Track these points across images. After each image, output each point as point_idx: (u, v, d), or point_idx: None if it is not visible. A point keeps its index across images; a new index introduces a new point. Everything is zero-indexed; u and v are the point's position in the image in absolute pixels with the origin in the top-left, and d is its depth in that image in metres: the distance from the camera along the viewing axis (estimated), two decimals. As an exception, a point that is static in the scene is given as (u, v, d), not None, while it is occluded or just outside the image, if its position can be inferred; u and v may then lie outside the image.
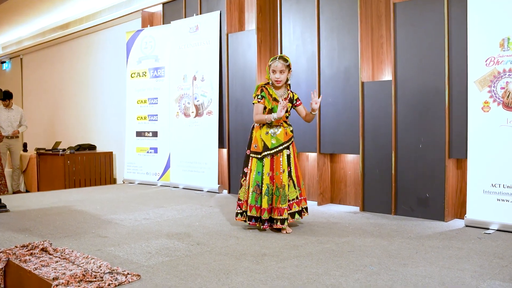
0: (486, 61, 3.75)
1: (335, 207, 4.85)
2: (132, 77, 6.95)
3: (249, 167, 3.84)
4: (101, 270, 2.65)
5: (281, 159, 3.74)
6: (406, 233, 3.66)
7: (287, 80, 3.84)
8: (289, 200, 3.75)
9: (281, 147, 3.75)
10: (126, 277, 2.56)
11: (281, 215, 3.66)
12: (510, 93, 3.64)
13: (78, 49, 9.41)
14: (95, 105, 8.89)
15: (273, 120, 3.72)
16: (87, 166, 7.89)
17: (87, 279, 2.52)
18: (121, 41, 7.62)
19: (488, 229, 3.70)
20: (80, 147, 8.25)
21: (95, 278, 2.54)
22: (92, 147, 8.48)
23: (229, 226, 3.95)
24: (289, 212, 3.74)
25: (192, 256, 3.04)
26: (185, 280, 2.57)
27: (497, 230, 3.67)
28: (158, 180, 6.63)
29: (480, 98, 3.79)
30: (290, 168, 3.78)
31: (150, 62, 6.74)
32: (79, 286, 2.44)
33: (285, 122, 3.84)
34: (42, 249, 3.17)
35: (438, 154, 4.08)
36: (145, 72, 6.79)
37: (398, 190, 4.34)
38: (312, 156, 5.24)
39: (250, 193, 3.76)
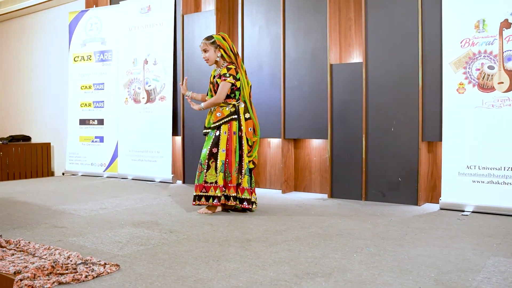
0: (461, 42, 3.74)
1: (301, 195, 4.68)
2: (75, 61, 6.39)
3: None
4: (71, 261, 2.27)
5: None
6: (385, 216, 3.56)
7: (219, 57, 3.69)
8: (205, 182, 3.57)
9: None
10: (104, 268, 2.21)
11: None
12: (485, 74, 3.64)
13: (10, 32, 8.58)
14: (30, 93, 8.13)
15: (203, 109, 3.75)
16: (22, 158, 7.19)
17: (57, 271, 2.14)
18: (62, 23, 7.01)
19: (464, 211, 3.69)
20: (13, 138, 7.51)
21: (67, 270, 2.17)
22: (27, 138, 7.75)
23: (197, 214, 3.65)
24: (203, 193, 3.59)
25: (170, 244, 2.73)
26: (172, 268, 2.27)
27: (473, 212, 3.66)
28: (104, 171, 6.15)
29: (455, 80, 3.77)
30: (217, 149, 3.57)
31: (96, 45, 6.24)
32: (48, 280, 2.07)
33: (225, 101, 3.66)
34: (-10, 242, 2.72)
35: (411, 137, 4.02)
36: (90, 56, 6.27)
37: (368, 175, 4.25)
38: (275, 142, 5.04)
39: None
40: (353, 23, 4.53)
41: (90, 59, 6.26)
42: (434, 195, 4.11)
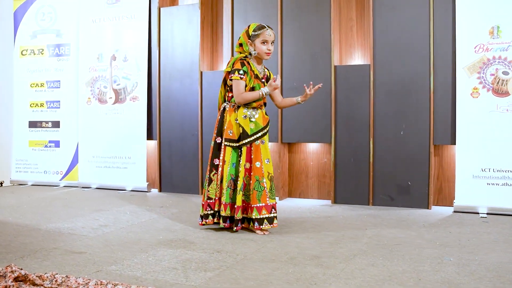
0: (475, 48, 3.80)
1: (299, 201, 4.49)
2: (23, 54, 5.60)
3: (221, 158, 3.22)
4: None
5: (261, 146, 3.18)
6: (412, 222, 3.49)
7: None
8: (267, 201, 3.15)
9: (260, 133, 3.20)
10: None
11: (269, 213, 3.11)
12: (500, 79, 3.73)
13: None
14: None
15: (265, 95, 3.19)
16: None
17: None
18: (4, 10, 6.09)
19: (478, 213, 3.75)
20: None
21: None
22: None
23: (219, 228, 3.30)
24: (273, 214, 3.15)
25: (236, 267, 2.40)
26: (277, 298, 1.97)
27: (488, 213, 3.73)
28: (61, 179, 5.46)
29: (469, 84, 3.82)
30: (269, 160, 3.23)
31: (50, 38, 5.51)
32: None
33: (264, 103, 3.31)
34: (17, 279, 2.19)
35: (421, 141, 4.02)
36: (42, 50, 5.53)
37: (375, 179, 4.18)
38: (269, 146, 4.79)
39: (224, 190, 3.17)
40: (355, 23, 4.44)
41: (42, 53, 5.52)
42: (440, 197, 4.15)
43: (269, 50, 3.22)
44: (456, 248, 2.74)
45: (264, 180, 3.11)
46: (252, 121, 3.19)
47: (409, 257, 2.56)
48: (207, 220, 3.23)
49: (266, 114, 3.31)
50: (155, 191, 5.14)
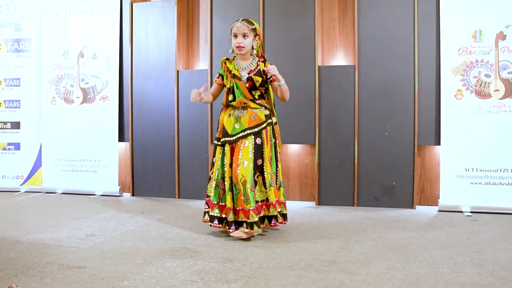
0: (458, 50, 3.90)
1: (282, 203, 4.43)
2: (-23, 49, 5.15)
3: (215, 156, 3.20)
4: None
5: (241, 147, 3.07)
6: (405, 223, 3.53)
7: (253, 49, 3.16)
8: (256, 201, 3.08)
9: (242, 134, 3.08)
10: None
11: (247, 218, 2.99)
12: (482, 82, 3.85)
13: None
14: None
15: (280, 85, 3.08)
16: None
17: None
18: None
19: (462, 212, 3.86)
20: None
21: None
22: None
23: (220, 234, 3.19)
24: (257, 216, 3.03)
25: (258, 278, 2.30)
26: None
27: (471, 212, 3.85)
28: (21, 184, 5.07)
29: (453, 86, 3.92)
30: (262, 161, 3.12)
31: (8, 32, 5.09)
32: None
33: (254, 101, 3.13)
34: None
35: (406, 142, 4.08)
36: (0, 45, 5.11)
37: (360, 180, 4.20)
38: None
39: (213, 188, 3.13)
40: (337, 23, 4.43)
41: (-1, 49, 5.11)
42: (422, 197, 4.23)
43: (238, 43, 3.08)
44: (462, 248, 2.78)
45: (238, 183, 3.01)
46: (237, 121, 3.12)
47: (423, 259, 2.57)
48: (204, 218, 3.18)
49: (267, 115, 3.16)
50: (127, 195, 4.89)
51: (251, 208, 2.99)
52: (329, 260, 2.58)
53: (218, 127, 3.23)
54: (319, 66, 4.27)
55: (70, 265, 2.51)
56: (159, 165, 4.74)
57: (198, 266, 2.47)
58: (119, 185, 4.84)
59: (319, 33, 4.30)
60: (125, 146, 5.00)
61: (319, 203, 4.31)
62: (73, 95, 4.93)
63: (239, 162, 3.04)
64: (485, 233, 3.16)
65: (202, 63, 4.85)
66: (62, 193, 4.95)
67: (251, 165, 3.04)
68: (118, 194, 4.81)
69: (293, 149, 4.56)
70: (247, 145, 3.07)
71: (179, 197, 4.68)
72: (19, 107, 5.09)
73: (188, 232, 3.23)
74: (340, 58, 4.46)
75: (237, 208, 3.02)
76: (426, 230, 3.26)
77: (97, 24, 4.87)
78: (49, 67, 4.98)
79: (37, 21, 5.05)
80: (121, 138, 4.90)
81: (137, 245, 2.91)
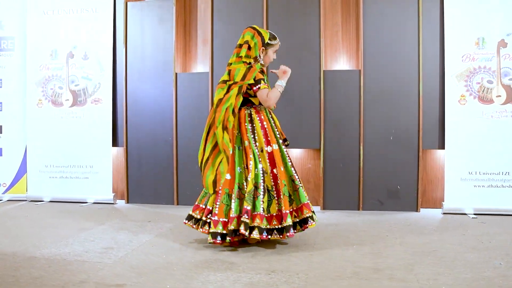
0: (462, 57, 4.01)
1: (285, 208, 4.40)
2: (-46, 47, 4.79)
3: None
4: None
5: (236, 152, 3.05)
6: (420, 226, 3.59)
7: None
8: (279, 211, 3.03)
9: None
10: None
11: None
12: (485, 88, 3.98)
13: None
14: None
15: (283, 88, 3.14)
16: None
17: None
18: None
19: (466, 214, 3.97)
20: None
21: None
22: None
23: (241, 244, 3.11)
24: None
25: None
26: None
27: (475, 214, 3.96)
28: (4, 192, 4.76)
29: (456, 92, 4.02)
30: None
31: (-12, 29, 4.78)
32: None
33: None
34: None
35: (410, 146, 4.15)
36: (-21, 43, 4.78)
37: (365, 184, 4.23)
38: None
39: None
40: (340, 28, 4.45)
41: (-22, 48, 4.77)
42: (424, 200, 4.32)
43: (273, 58, 3.30)
44: (490, 251, 2.85)
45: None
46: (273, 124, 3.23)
47: (460, 264, 2.60)
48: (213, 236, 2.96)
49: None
50: (121, 202, 4.70)
51: (233, 216, 2.89)
52: (372, 267, 2.56)
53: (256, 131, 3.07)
54: (324, 71, 4.27)
55: (107, 283, 2.36)
56: (156, 171, 4.58)
57: (244, 279, 2.39)
58: (112, 192, 4.64)
59: (323, 37, 4.29)
60: (117, 151, 4.81)
61: (324, 207, 4.31)
62: (62, 98, 4.68)
63: (233, 170, 3.03)
64: (501, 235, 3.25)
65: (200, 66, 4.73)
66: (50, 201, 4.69)
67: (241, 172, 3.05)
68: (112, 202, 4.61)
69: (296, 154, 4.53)
70: (241, 150, 3.07)
71: (178, 204, 4.54)
72: (1, 110, 4.78)
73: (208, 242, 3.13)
74: (343, 63, 4.47)
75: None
76: (444, 234, 3.32)
77: (88, 23, 4.65)
78: (35, 68, 4.70)
79: (20, 18, 4.76)
80: (115, 143, 4.70)
81: (167, 259, 2.78)
